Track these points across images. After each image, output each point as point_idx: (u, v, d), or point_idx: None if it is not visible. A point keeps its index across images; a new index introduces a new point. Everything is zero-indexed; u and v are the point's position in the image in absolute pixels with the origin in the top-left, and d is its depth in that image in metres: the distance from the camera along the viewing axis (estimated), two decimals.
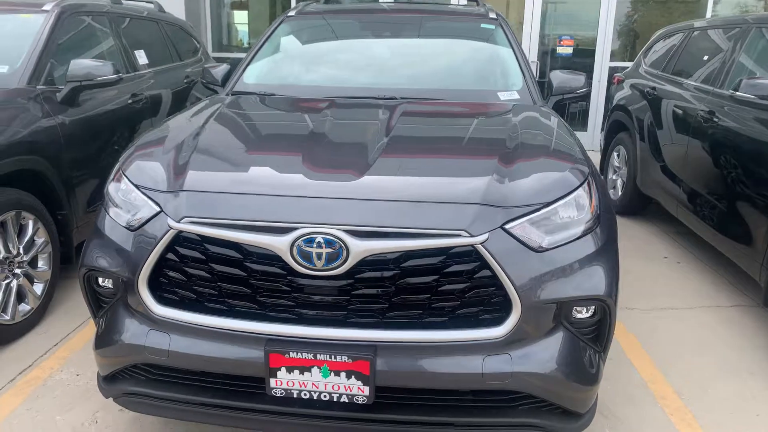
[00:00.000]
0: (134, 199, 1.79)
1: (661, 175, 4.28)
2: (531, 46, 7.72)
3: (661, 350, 2.86)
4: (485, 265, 1.60)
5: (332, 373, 1.63)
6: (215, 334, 1.67)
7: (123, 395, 1.82)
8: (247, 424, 1.75)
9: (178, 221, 1.64)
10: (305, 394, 1.66)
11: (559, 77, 2.93)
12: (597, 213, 1.87)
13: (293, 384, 1.66)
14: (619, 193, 5.12)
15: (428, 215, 1.61)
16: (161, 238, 1.65)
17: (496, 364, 1.65)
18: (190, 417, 1.79)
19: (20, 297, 2.81)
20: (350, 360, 1.61)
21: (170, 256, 1.67)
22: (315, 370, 1.63)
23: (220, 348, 1.69)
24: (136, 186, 1.81)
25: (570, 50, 7.80)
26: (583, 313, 1.78)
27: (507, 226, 1.65)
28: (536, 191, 1.77)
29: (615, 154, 5.31)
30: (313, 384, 1.65)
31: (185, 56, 5.11)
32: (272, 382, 1.66)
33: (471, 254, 1.59)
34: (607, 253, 1.83)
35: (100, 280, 1.85)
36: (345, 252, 1.56)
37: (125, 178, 1.87)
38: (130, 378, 1.82)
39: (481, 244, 1.58)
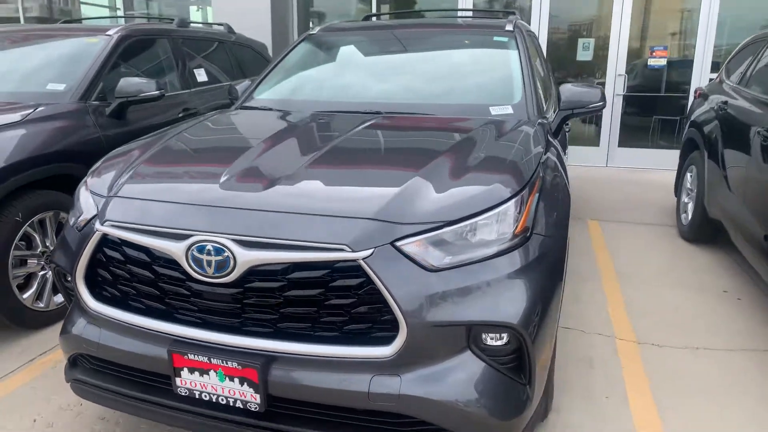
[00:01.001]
0: (85, 202, 1.97)
1: (725, 198, 3.84)
2: (619, 59, 7.27)
3: (672, 397, 2.56)
4: (371, 281, 1.56)
5: (227, 378, 1.69)
6: (134, 331, 1.80)
7: (73, 381, 2.00)
8: (163, 419, 1.84)
9: (102, 224, 1.79)
10: (206, 396, 1.73)
11: (569, 91, 2.77)
12: (527, 232, 1.76)
13: (195, 385, 1.73)
14: (689, 217, 4.65)
15: (315, 228, 1.62)
16: (90, 239, 1.81)
17: (383, 385, 1.61)
18: (121, 408, 1.92)
19: (55, 289, 3.18)
20: (240, 367, 1.65)
21: (99, 256, 1.83)
22: (212, 373, 1.70)
23: (138, 345, 1.81)
24: (91, 191, 2.00)
25: (663, 62, 7.23)
26: (495, 341, 1.68)
27: (398, 243, 1.60)
28: (448, 207, 1.70)
29: (688, 174, 4.83)
30: (212, 387, 1.71)
31: (251, 74, 5.46)
32: (177, 381, 1.75)
33: (356, 270, 1.57)
34: (532, 277, 1.71)
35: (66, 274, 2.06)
36: (232, 261, 1.61)
37: (86, 183, 2.07)
38: (79, 366, 2.01)
39: (363, 260, 1.56)
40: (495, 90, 2.81)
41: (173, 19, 4.69)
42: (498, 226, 1.72)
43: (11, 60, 3.84)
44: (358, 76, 3.06)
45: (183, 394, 1.75)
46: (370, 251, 1.56)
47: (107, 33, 3.90)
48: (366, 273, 1.56)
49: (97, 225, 1.80)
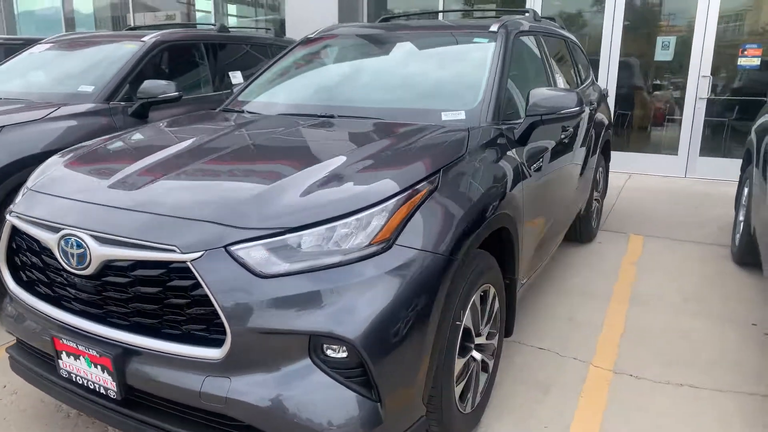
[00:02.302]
0: (20, 194, 2.19)
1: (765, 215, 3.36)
2: (704, 59, 6.58)
3: None
4: (200, 284, 1.59)
5: (93, 365, 1.80)
6: (34, 313, 1.97)
7: (8, 355, 2.23)
8: (56, 395, 2.00)
9: (10, 214, 1.99)
10: (80, 379, 1.86)
11: (539, 95, 2.58)
12: (387, 244, 1.69)
13: (71, 368, 1.86)
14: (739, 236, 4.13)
15: (155, 229, 1.67)
16: (4, 227, 2.01)
17: (213, 386, 1.63)
18: (32, 382, 2.10)
19: None
20: (98, 355, 1.76)
21: (13, 243, 2.03)
22: (82, 359, 1.82)
23: (36, 326, 1.98)
24: (26, 185, 2.21)
25: (757, 61, 6.44)
26: (336, 353, 1.64)
27: (232, 248, 1.61)
28: (298, 212, 1.69)
29: (745, 189, 4.28)
30: (83, 371, 1.83)
31: None
32: (60, 363, 1.89)
33: (187, 272, 1.61)
34: (383, 291, 1.64)
35: None
36: (89, 255, 1.72)
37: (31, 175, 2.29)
38: (16, 344, 2.23)
39: (191, 262, 1.59)
40: (455, 95, 2.70)
41: (215, 25, 4.98)
42: (348, 236, 1.67)
43: (57, 64, 4.31)
44: (330, 80, 3.08)
45: (64, 375, 1.89)
46: (200, 254, 1.59)
47: (143, 39, 4.24)
48: (195, 275, 1.59)
49: (8, 215, 2.00)
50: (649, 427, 2.34)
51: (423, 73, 2.90)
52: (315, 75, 3.19)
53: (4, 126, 3.21)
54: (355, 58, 3.21)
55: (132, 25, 10.80)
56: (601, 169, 4.59)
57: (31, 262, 1.95)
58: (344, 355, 1.63)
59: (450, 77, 2.83)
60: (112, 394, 1.78)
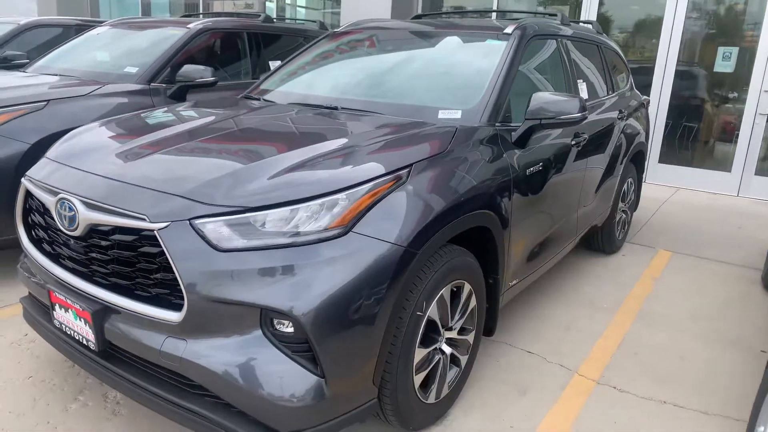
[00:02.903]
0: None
1: None
2: (767, 74, 6.23)
3: None
4: (164, 251, 1.74)
5: (79, 318, 1.99)
6: (38, 267, 2.19)
7: (21, 303, 2.47)
8: (52, 342, 2.21)
9: (23, 177, 2.21)
10: (68, 330, 2.06)
11: (539, 99, 2.58)
12: (344, 230, 1.79)
13: (63, 319, 2.07)
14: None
15: (133, 199, 1.83)
16: (19, 189, 2.25)
17: (171, 346, 1.78)
18: (37, 330, 2.32)
19: None
20: (81, 309, 1.95)
21: (27, 205, 2.26)
22: (70, 311, 2.02)
23: (40, 279, 2.20)
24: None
25: None
26: (284, 327, 1.75)
27: (196, 221, 1.75)
28: (261, 194, 1.81)
29: None
30: (71, 323, 2.03)
31: None
32: (54, 314, 2.10)
33: (155, 239, 1.76)
34: (334, 273, 1.74)
35: None
36: (78, 218, 1.90)
37: None
38: (27, 295, 2.48)
39: (157, 231, 1.74)
40: (456, 94, 2.74)
41: (260, 15, 5.20)
42: (308, 219, 1.78)
43: (111, 46, 4.63)
44: (342, 74, 3.18)
45: (57, 325, 2.11)
46: (166, 224, 1.74)
47: (188, 26, 4.50)
48: (161, 243, 1.74)
49: (23, 179, 2.23)
50: None
51: (431, 71, 2.96)
52: (331, 68, 3.30)
53: (50, 100, 3.51)
54: (371, 54, 3.29)
55: (200, 11, 11.32)
56: (630, 180, 4.48)
57: (38, 221, 2.17)
58: (291, 330, 1.74)
59: (456, 77, 2.87)
60: (92, 346, 1.97)
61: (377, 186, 1.91)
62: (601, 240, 4.29)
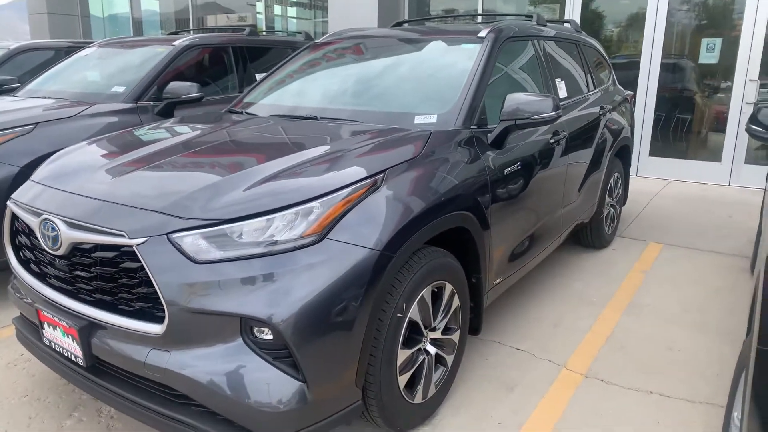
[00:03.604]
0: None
1: None
2: (752, 61, 6.29)
3: None
4: (143, 266, 1.79)
5: (65, 334, 2.04)
6: (26, 288, 2.24)
7: (14, 324, 2.53)
8: (44, 360, 2.26)
9: (9, 200, 2.27)
10: (57, 347, 2.11)
11: (513, 99, 2.63)
12: (318, 237, 1.84)
13: (51, 337, 2.12)
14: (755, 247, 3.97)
15: (112, 216, 1.89)
16: (6, 212, 2.30)
17: (155, 358, 1.82)
18: (29, 348, 2.36)
19: None
20: (68, 326, 2.00)
21: (14, 227, 2.31)
22: (58, 329, 2.07)
23: (29, 299, 2.25)
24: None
25: None
26: (264, 335, 1.80)
27: (173, 236, 1.80)
28: (237, 205, 1.86)
29: None
30: (59, 340, 2.08)
31: None
32: (43, 332, 2.15)
33: (134, 254, 1.81)
34: (310, 280, 1.79)
35: None
36: (60, 237, 1.96)
37: None
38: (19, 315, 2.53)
39: (136, 246, 1.79)
40: (431, 99, 2.79)
41: (245, 29, 5.27)
42: (283, 228, 1.82)
43: (99, 66, 4.70)
44: (322, 84, 3.24)
45: (47, 343, 2.15)
46: (144, 239, 1.79)
47: (173, 43, 4.57)
48: (140, 258, 1.79)
49: (8, 201, 2.28)
50: (601, 431, 2.36)
51: (408, 77, 3.01)
52: (311, 79, 3.36)
53: (39, 122, 3.57)
54: (350, 63, 3.35)
55: (191, 27, 11.43)
56: (617, 174, 4.52)
57: (24, 242, 2.22)
58: (271, 337, 1.78)
59: (432, 82, 2.93)
60: (80, 362, 2.01)
61: (352, 192, 1.96)
62: (590, 235, 4.33)
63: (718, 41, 6.51)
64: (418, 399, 2.29)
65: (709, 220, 5.27)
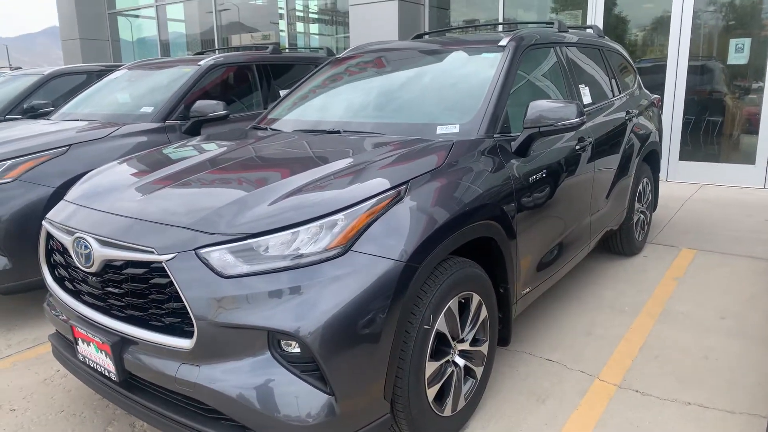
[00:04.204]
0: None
1: None
2: None
3: None
4: (173, 282, 1.82)
5: (99, 351, 2.08)
6: (61, 305, 2.30)
7: (50, 340, 2.59)
8: (79, 376, 2.31)
9: (43, 220, 2.33)
10: (91, 363, 2.15)
11: (537, 107, 2.62)
12: (343, 250, 1.84)
13: (85, 353, 2.16)
14: None
15: (142, 233, 1.92)
16: (41, 232, 2.37)
17: (185, 372, 1.84)
18: (65, 365, 2.42)
19: None
20: (101, 342, 2.04)
21: (49, 246, 2.38)
22: (92, 345, 2.11)
23: (64, 316, 2.31)
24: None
25: None
26: (291, 348, 1.81)
27: (201, 251, 1.83)
28: (262, 220, 1.87)
29: None
30: (93, 356, 2.12)
31: None
32: (77, 348, 2.20)
33: (164, 270, 1.84)
34: (336, 292, 1.79)
35: None
36: (93, 255, 2.00)
37: None
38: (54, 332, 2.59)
39: (165, 262, 1.82)
40: (453, 109, 2.79)
41: (268, 47, 5.36)
42: (308, 241, 1.84)
43: (129, 88, 4.83)
44: (344, 98, 3.26)
45: (81, 359, 2.20)
46: (173, 255, 1.82)
47: (199, 63, 4.67)
48: (169, 274, 1.82)
49: (43, 221, 2.35)
50: None
51: (430, 88, 3.02)
52: (334, 93, 3.39)
53: (72, 144, 3.68)
54: (371, 76, 3.38)
55: (216, 46, 11.68)
56: (646, 180, 4.44)
57: (59, 261, 2.28)
58: (298, 350, 1.79)
59: (454, 92, 2.93)
60: (113, 377, 2.05)
61: (375, 204, 1.96)
62: (620, 242, 4.25)
63: (747, 41, 6.38)
64: (447, 412, 2.27)
65: (744, 225, 5.12)
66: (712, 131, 6.85)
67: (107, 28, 13.49)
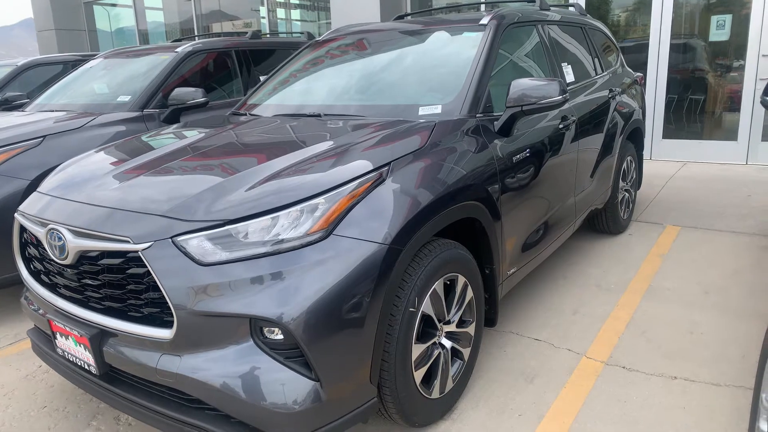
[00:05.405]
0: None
1: None
2: (763, 38, 6.14)
3: (597, 426, 2.30)
4: (150, 271, 1.78)
5: (77, 344, 2.04)
6: (38, 299, 2.24)
7: (28, 335, 2.53)
8: (58, 370, 2.25)
9: (16, 212, 2.27)
10: (70, 357, 2.10)
11: (519, 85, 2.58)
12: (324, 234, 1.81)
13: (64, 346, 2.11)
14: None
15: (116, 222, 1.87)
16: (14, 225, 2.30)
17: (166, 362, 1.81)
18: (44, 360, 2.36)
19: None
20: (80, 335, 1.99)
21: (23, 239, 2.31)
22: (70, 338, 2.06)
23: (41, 310, 2.25)
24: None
25: None
26: (274, 335, 1.77)
27: (178, 239, 1.78)
28: (239, 206, 1.83)
29: None
30: (72, 349, 2.08)
31: None
32: (56, 342, 2.15)
33: (140, 260, 1.80)
34: (317, 276, 1.76)
35: None
36: (67, 246, 1.95)
37: None
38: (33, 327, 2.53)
39: (141, 252, 1.77)
40: (435, 90, 2.75)
41: (246, 32, 5.26)
42: (288, 226, 1.80)
43: (105, 77, 4.72)
44: (324, 81, 3.21)
45: (60, 353, 2.15)
46: (148, 244, 1.78)
47: (176, 50, 4.57)
48: (146, 263, 1.77)
49: (15, 214, 2.29)
50: (625, 419, 2.31)
51: (411, 70, 2.97)
52: (313, 77, 3.33)
53: (46, 135, 3.59)
54: (352, 59, 3.32)
55: (196, 33, 11.48)
56: (630, 158, 4.43)
57: (33, 254, 2.23)
58: (281, 337, 1.76)
59: (435, 72, 2.88)
60: (93, 370, 2.01)
61: (357, 186, 1.92)
62: (606, 221, 4.26)
63: (728, 17, 6.38)
64: (435, 394, 2.25)
65: (727, 201, 5.16)
66: (694, 109, 6.87)
67: (83, 18, 13.20)
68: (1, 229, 3.21)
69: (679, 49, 6.71)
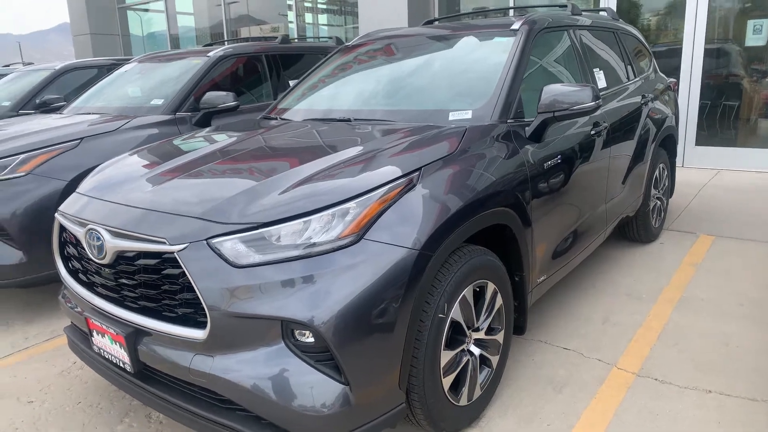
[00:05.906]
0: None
1: None
2: None
3: None
4: (185, 272, 1.81)
5: (114, 342, 2.08)
6: (76, 297, 2.30)
7: (65, 332, 2.59)
8: (94, 367, 2.31)
9: (56, 212, 2.33)
10: (106, 354, 2.15)
11: (551, 91, 2.57)
12: (356, 238, 1.82)
13: (100, 344, 2.16)
14: None
15: (154, 224, 1.91)
16: (54, 224, 2.37)
17: (199, 363, 1.83)
18: (80, 356, 2.43)
19: None
20: (116, 333, 2.03)
21: (62, 238, 2.37)
22: (107, 336, 2.11)
23: (78, 308, 2.31)
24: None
25: None
26: (305, 337, 1.79)
27: (213, 241, 1.81)
28: (274, 209, 1.85)
29: None
30: (108, 347, 2.12)
31: None
32: (92, 340, 2.20)
33: (176, 261, 1.83)
34: (349, 280, 1.76)
35: None
36: (105, 246, 1.99)
37: None
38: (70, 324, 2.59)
39: (177, 253, 1.80)
40: (466, 95, 2.74)
41: (275, 37, 5.33)
42: (320, 230, 1.81)
43: (137, 81, 4.82)
44: (354, 86, 3.22)
45: (96, 351, 2.20)
46: (184, 246, 1.81)
47: (208, 54, 4.65)
48: (181, 264, 1.80)
49: (56, 214, 2.35)
50: None
51: (442, 74, 2.97)
52: (343, 82, 3.35)
53: (83, 138, 3.68)
54: (381, 63, 3.33)
55: (225, 38, 11.66)
56: (662, 165, 4.36)
57: (72, 253, 2.28)
58: (312, 340, 1.77)
59: (466, 77, 2.88)
60: (128, 368, 2.05)
61: (387, 192, 1.93)
62: (637, 229, 4.19)
63: (766, 22, 6.23)
64: (463, 401, 2.24)
65: (763, 210, 5.02)
66: (729, 115, 6.71)
67: (117, 23, 13.52)
68: (39, 228, 3.31)
69: (713, 54, 6.58)
